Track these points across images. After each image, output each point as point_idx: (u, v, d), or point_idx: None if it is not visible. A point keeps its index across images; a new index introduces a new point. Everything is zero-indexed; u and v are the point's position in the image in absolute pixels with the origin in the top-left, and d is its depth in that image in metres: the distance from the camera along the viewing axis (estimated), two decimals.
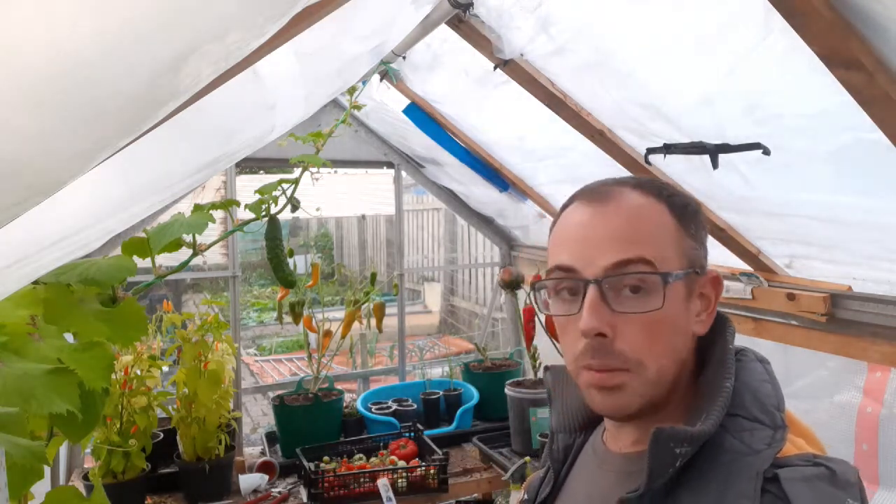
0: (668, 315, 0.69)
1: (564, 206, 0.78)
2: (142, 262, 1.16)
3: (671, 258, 0.70)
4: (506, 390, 2.56)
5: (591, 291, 0.68)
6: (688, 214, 0.73)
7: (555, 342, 2.14)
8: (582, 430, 0.85)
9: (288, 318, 2.61)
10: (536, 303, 0.78)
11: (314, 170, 1.71)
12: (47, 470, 1.54)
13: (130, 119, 0.46)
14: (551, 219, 3.05)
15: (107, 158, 0.61)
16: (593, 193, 0.74)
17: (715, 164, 1.48)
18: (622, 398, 0.70)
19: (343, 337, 2.67)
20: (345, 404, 2.67)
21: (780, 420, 0.67)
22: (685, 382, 0.73)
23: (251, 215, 1.57)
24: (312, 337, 2.71)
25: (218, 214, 1.42)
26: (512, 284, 2.79)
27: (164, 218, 1.35)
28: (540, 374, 2.55)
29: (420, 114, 2.53)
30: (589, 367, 0.70)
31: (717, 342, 0.74)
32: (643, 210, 0.71)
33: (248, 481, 2.29)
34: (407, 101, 2.51)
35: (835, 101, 1.13)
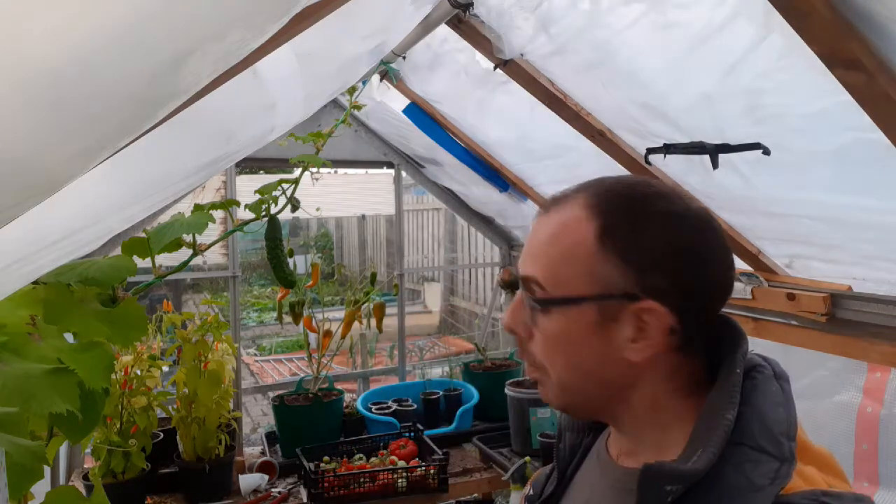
0: (565, 337, 0.68)
1: None
2: (142, 262, 1.16)
3: (572, 281, 0.67)
4: (506, 390, 2.56)
5: (518, 293, 0.72)
6: (628, 235, 0.66)
7: None
8: (589, 430, 0.84)
9: (288, 318, 2.61)
10: None
11: (314, 170, 1.71)
12: (47, 470, 1.54)
13: (130, 119, 0.46)
14: None
15: (107, 158, 0.61)
16: (549, 200, 0.74)
17: (715, 164, 1.48)
18: (543, 392, 0.73)
19: (343, 337, 2.67)
20: (345, 404, 2.67)
21: (787, 451, 0.61)
22: (671, 405, 0.69)
23: (251, 215, 1.57)
24: (312, 337, 2.71)
25: (218, 214, 1.42)
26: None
27: (164, 218, 1.35)
28: None
29: (420, 114, 2.53)
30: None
31: (724, 361, 0.67)
32: (563, 226, 0.69)
33: (248, 481, 2.29)
34: (407, 101, 2.51)
35: (835, 101, 1.13)
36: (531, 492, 0.90)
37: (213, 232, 1.33)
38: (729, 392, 0.64)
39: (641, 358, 0.67)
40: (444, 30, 1.74)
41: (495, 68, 1.76)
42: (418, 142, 2.77)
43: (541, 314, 0.69)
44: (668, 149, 1.60)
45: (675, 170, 1.73)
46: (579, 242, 0.67)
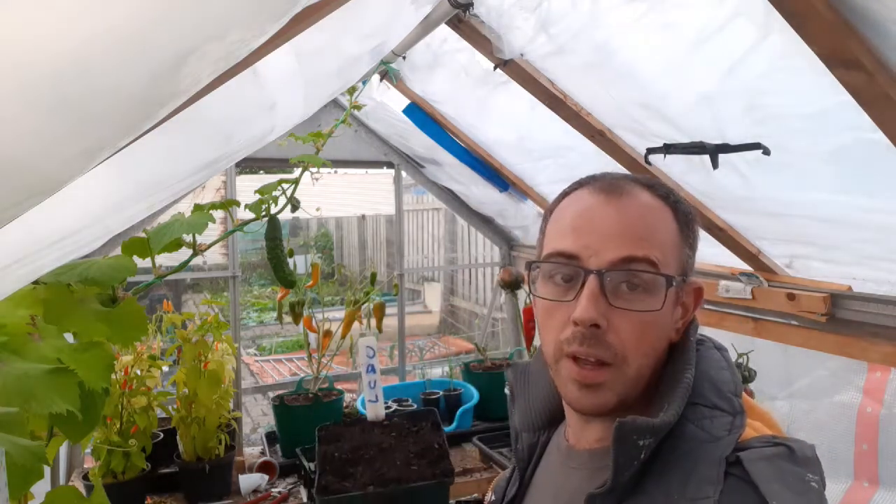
0: (659, 317, 0.69)
1: (568, 192, 0.77)
2: (142, 262, 1.16)
3: (671, 263, 0.70)
4: (506, 390, 2.55)
5: (592, 282, 0.67)
6: (689, 223, 0.74)
7: None
8: (545, 428, 0.84)
9: (288, 318, 2.61)
10: (528, 282, 0.77)
11: (314, 170, 1.71)
12: (47, 470, 1.54)
13: (130, 119, 0.46)
14: None
15: (107, 158, 0.61)
16: (605, 184, 0.73)
17: (715, 164, 1.48)
18: (602, 396, 0.69)
19: (343, 337, 2.67)
20: (345, 404, 2.67)
21: (738, 405, 0.68)
22: (652, 382, 0.73)
23: (251, 215, 1.57)
24: (312, 337, 2.71)
25: (218, 214, 1.42)
26: (512, 284, 2.79)
27: (164, 218, 1.35)
28: None
29: (420, 114, 2.53)
30: (574, 355, 0.69)
31: (681, 340, 0.74)
32: (654, 211, 0.71)
33: (248, 481, 2.29)
34: (407, 101, 2.51)
35: (835, 101, 1.13)
36: (493, 497, 0.89)
37: (213, 232, 1.33)
38: (686, 357, 0.71)
39: (679, 337, 0.74)
40: (444, 30, 1.74)
41: (495, 68, 1.76)
42: (418, 142, 2.77)
43: (644, 297, 0.68)
44: (668, 149, 1.60)
45: (675, 170, 1.73)
46: (670, 229, 0.72)
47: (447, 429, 2.68)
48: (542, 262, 0.74)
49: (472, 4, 1.57)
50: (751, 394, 1.68)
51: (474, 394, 2.81)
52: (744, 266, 1.90)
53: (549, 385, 0.82)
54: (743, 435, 0.66)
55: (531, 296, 0.77)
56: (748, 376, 1.70)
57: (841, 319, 1.62)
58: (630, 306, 0.68)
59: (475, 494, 2.49)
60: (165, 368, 2.31)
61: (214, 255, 2.69)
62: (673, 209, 0.72)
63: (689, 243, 0.73)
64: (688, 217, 0.74)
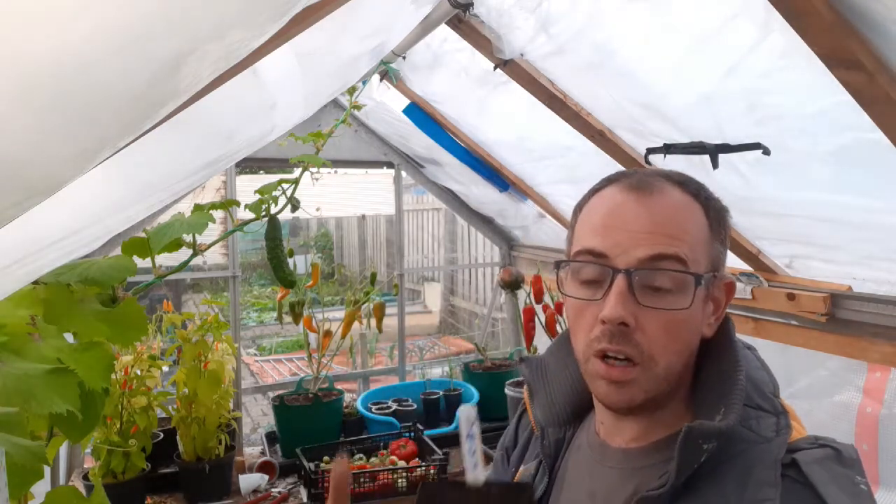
0: (688, 315, 0.69)
1: (598, 189, 0.77)
2: (142, 262, 1.16)
3: (700, 260, 0.70)
4: (506, 390, 2.56)
5: (621, 281, 0.68)
6: (720, 219, 0.74)
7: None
8: (570, 422, 0.84)
9: (288, 318, 2.61)
10: (558, 280, 0.77)
11: (314, 170, 1.71)
12: (47, 470, 1.54)
13: (130, 119, 0.46)
14: (551, 219, 3.03)
15: (107, 158, 0.61)
16: (635, 181, 0.73)
17: (715, 164, 1.48)
18: (630, 392, 0.69)
19: (343, 337, 2.67)
20: (345, 404, 2.67)
21: (780, 406, 0.69)
22: (686, 379, 0.74)
23: (251, 215, 1.57)
24: (312, 337, 2.71)
25: (218, 214, 1.42)
26: (512, 284, 2.79)
27: (164, 218, 1.35)
28: None
29: (420, 114, 2.53)
30: (603, 352, 0.69)
31: (719, 337, 0.74)
32: (684, 208, 0.71)
33: (248, 481, 2.29)
34: (407, 101, 2.51)
35: (835, 101, 1.13)
36: (499, 455, 0.90)
37: (213, 232, 1.33)
38: (734, 358, 0.70)
39: (712, 332, 0.73)
40: (444, 30, 1.74)
41: (495, 68, 1.76)
42: (418, 142, 2.77)
43: (674, 295, 0.68)
44: (668, 149, 1.60)
45: (675, 170, 1.73)
46: (701, 225, 0.71)
47: (447, 429, 2.68)
48: (571, 260, 0.74)
49: (472, 4, 1.57)
50: None
51: (474, 394, 2.81)
52: (744, 266, 1.90)
53: (571, 379, 0.82)
54: (791, 436, 0.67)
55: (561, 295, 0.77)
56: None
57: (841, 319, 1.62)
58: (658, 304, 0.68)
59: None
60: (165, 368, 2.30)
61: (214, 255, 2.69)
62: (704, 206, 0.72)
63: (721, 239, 0.73)
64: (719, 213, 0.74)
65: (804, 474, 0.62)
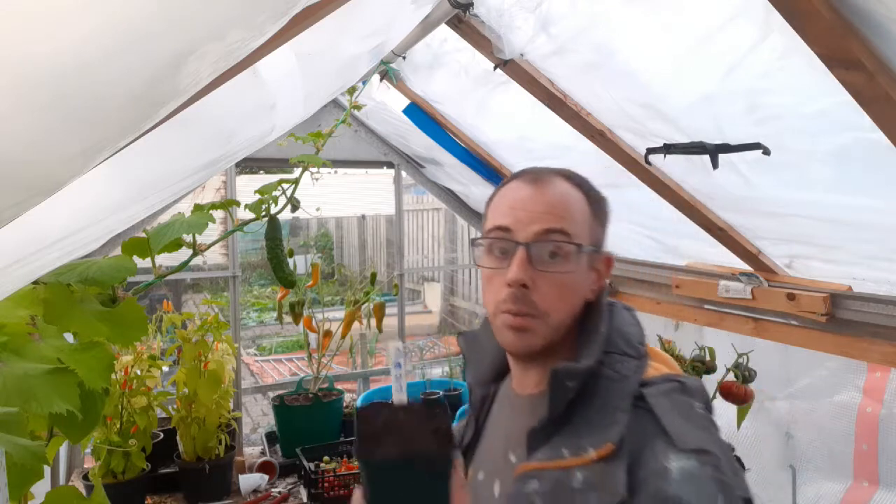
0: (574, 278, 0.86)
1: (505, 183, 0.94)
2: (142, 262, 1.16)
3: (582, 235, 0.87)
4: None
5: (521, 251, 0.84)
6: (599, 206, 0.92)
7: None
8: (493, 381, 1.01)
9: (288, 318, 2.61)
10: (473, 257, 0.94)
11: (314, 170, 1.71)
12: (47, 470, 1.54)
13: (130, 119, 0.46)
14: None
15: (107, 158, 0.61)
16: (533, 176, 0.90)
17: (715, 164, 1.48)
18: (529, 338, 0.85)
19: (343, 337, 2.67)
20: (345, 404, 2.67)
21: (643, 351, 0.87)
22: (575, 333, 0.90)
23: (251, 215, 1.57)
24: (312, 337, 2.71)
25: (218, 214, 1.42)
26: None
27: (164, 218, 1.35)
28: None
29: (420, 114, 2.53)
30: (508, 310, 0.85)
31: (597, 302, 0.91)
32: (570, 195, 0.89)
33: (248, 481, 2.29)
34: (407, 101, 2.51)
35: (835, 101, 1.13)
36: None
37: (213, 232, 1.34)
38: (600, 314, 0.88)
39: (594, 297, 0.91)
40: (444, 30, 1.74)
41: (495, 68, 1.76)
42: (418, 142, 2.77)
43: (561, 262, 0.85)
44: (668, 149, 1.60)
45: (675, 170, 1.73)
46: (582, 209, 0.89)
47: None
48: (484, 237, 0.91)
49: (472, 4, 1.57)
50: (751, 394, 1.67)
51: None
52: (744, 266, 1.89)
53: (493, 345, 0.97)
54: (646, 374, 0.83)
55: (476, 267, 0.94)
56: (748, 376, 1.70)
57: (841, 319, 1.62)
58: (550, 269, 0.85)
59: None
60: (165, 368, 2.31)
61: (214, 255, 2.69)
62: (586, 195, 0.90)
63: (600, 222, 0.91)
64: (599, 201, 0.92)
65: (649, 403, 0.78)
